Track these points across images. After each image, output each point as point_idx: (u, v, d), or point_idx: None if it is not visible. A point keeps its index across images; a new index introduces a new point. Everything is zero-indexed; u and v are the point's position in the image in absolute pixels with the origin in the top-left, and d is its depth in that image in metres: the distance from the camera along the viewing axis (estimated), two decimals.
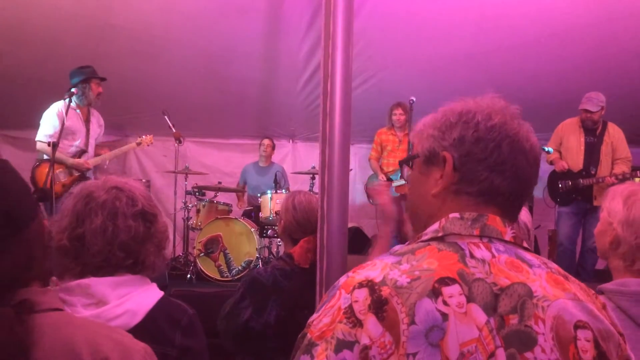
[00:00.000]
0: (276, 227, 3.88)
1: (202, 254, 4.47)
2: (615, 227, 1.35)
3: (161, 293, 1.34)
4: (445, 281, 0.73)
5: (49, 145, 3.94)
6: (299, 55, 4.97)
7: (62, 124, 4.01)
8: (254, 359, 2.10)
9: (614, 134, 4.59)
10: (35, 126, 4.28)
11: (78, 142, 4.38)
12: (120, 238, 1.25)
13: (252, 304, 2.06)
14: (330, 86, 1.96)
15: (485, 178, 0.83)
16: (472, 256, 0.78)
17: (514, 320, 0.73)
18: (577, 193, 4.64)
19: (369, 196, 5.50)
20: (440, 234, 0.81)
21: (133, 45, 4.71)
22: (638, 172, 4.42)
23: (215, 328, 2.15)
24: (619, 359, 0.78)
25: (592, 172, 4.56)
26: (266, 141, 5.95)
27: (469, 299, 0.73)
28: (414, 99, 4.75)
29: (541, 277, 0.79)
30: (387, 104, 5.23)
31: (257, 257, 4.62)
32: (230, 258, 4.42)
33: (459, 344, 0.70)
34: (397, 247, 0.83)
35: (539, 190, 4.98)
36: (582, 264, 4.76)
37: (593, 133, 4.62)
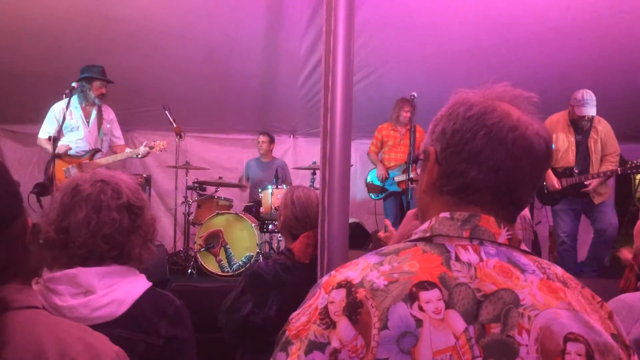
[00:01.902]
0: (277, 222, 3.88)
1: (203, 249, 4.47)
2: None
3: (149, 284, 1.35)
4: (424, 285, 0.70)
5: (49, 140, 3.96)
6: (300, 50, 4.96)
7: (63, 121, 4.01)
8: (254, 353, 2.11)
9: (603, 130, 4.43)
10: (35, 120, 4.28)
11: (80, 138, 4.37)
12: (104, 230, 1.28)
13: (253, 298, 2.06)
14: (331, 81, 1.96)
15: (462, 171, 0.79)
16: (457, 259, 0.74)
17: (495, 329, 0.69)
18: (565, 193, 4.48)
19: (369, 191, 5.50)
20: (427, 234, 0.78)
21: (133, 39, 4.69)
22: (620, 169, 4.25)
23: (217, 322, 2.15)
24: None
25: (576, 171, 4.43)
26: (262, 137, 5.92)
27: (448, 305, 0.69)
28: (415, 94, 4.73)
29: (532, 284, 0.73)
30: (388, 99, 5.22)
31: (258, 252, 4.62)
32: (231, 253, 4.41)
33: (432, 352, 0.67)
34: (385, 247, 0.80)
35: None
36: (598, 257, 4.54)
37: (581, 130, 4.44)
